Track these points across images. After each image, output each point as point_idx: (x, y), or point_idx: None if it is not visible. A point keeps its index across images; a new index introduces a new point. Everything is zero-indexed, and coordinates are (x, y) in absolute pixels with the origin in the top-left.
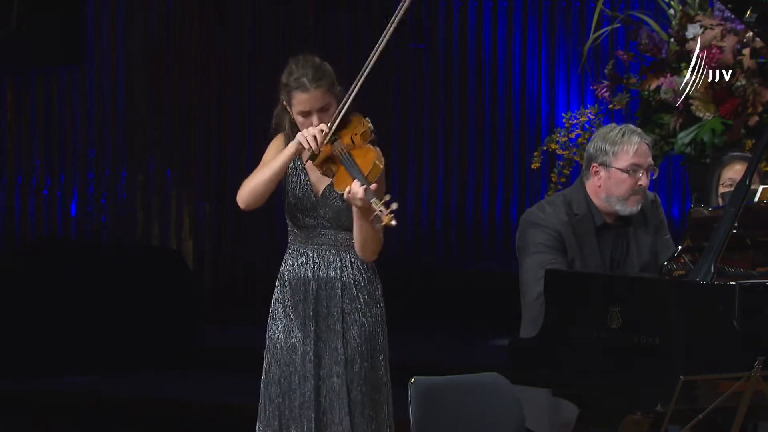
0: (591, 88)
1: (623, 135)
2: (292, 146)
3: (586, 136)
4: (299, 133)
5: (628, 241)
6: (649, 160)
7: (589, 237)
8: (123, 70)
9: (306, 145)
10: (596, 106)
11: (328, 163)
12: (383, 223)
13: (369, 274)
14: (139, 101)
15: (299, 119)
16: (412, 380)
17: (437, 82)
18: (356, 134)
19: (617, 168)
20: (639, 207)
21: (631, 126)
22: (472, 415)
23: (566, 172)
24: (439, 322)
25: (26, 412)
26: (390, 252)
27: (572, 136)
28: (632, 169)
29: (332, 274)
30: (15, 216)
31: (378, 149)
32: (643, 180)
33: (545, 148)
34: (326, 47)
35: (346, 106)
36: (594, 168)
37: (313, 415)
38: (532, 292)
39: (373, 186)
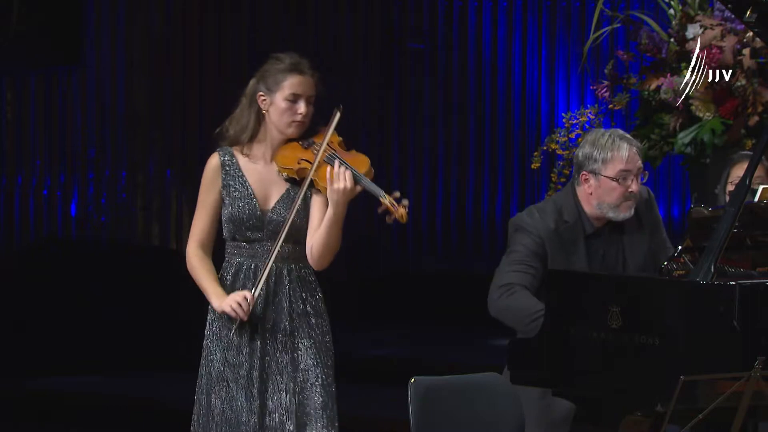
0: (591, 88)
1: (612, 142)
2: (219, 308)
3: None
4: (226, 304)
5: (622, 247)
6: (639, 164)
7: (578, 245)
8: (123, 70)
9: (234, 315)
10: (596, 106)
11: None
12: (395, 216)
13: (313, 288)
14: (139, 101)
15: (283, 105)
16: (412, 380)
17: (437, 82)
18: (333, 142)
19: (606, 176)
20: (632, 212)
21: (619, 131)
22: (472, 415)
23: (566, 172)
24: (439, 322)
25: (26, 412)
26: (390, 252)
27: (572, 136)
28: (622, 177)
29: (275, 290)
30: (15, 216)
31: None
32: (633, 186)
33: (545, 148)
34: (326, 48)
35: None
36: (584, 176)
37: None
38: (496, 283)
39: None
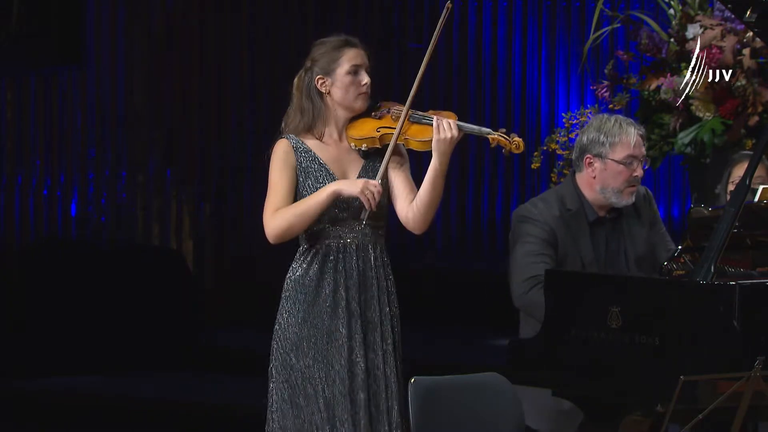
0: (591, 88)
1: (620, 126)
2: (343, 190)
3: None
4: (361, 186)
5: (623, 235)
6: (643, 151)
7: (583, 232)
8: (123, 70)
9: (367, 203)
10: (596, 106)
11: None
12: (510, 148)
13: (390, 269)
14: (139, 101)
15: (347, 79)
16: (412, 380)
17: (437, 82)
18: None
19: (614, 160)
20: (633, 198)
21: (623, 117)
22: (472, 415)
23: (566, 172)
24: (439, 322)
25: (26, 412)
26: (390, 252)
27: (572, 136)
28: (629, 161)
29: (362, 267)
30: (15, 216)
31: None
32: (638, 171)
33: (545, 148)
34: None
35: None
36: (588, 159)
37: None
38: (519, 276)
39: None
